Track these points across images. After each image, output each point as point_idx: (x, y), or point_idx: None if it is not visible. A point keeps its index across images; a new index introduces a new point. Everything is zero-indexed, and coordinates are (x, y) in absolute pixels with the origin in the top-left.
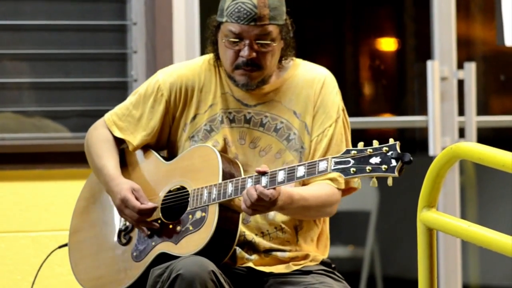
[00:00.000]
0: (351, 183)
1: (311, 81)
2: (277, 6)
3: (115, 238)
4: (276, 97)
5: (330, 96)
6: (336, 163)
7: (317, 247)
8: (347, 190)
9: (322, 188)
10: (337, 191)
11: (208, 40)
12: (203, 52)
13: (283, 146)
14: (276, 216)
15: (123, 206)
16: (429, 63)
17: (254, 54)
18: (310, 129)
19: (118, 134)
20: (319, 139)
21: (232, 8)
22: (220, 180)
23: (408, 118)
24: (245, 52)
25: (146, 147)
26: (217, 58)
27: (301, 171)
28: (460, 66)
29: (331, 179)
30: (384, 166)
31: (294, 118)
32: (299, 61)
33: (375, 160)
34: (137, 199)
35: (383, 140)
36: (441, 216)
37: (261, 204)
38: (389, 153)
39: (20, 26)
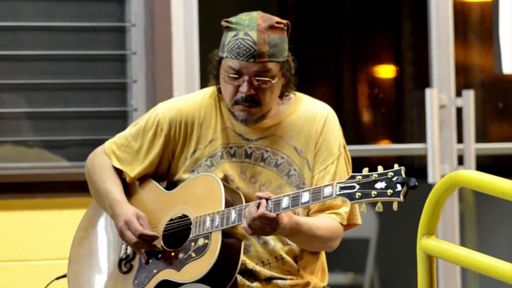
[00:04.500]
0: (354, 219)
1: (313, 118)
2: (277, 44)
3: (116, 267)
4: (277, 132)
5: (333, 133)
6: (341, 188)
7: (316, 276)
8: (348, 225)
9: (327, 221)
10: (340, 225)
11: (210, 74)
12: (202, 81)
13: (283, 181)
14: (276, 246)
15: (125, 228)
16: (427, 91)
17: (252, 91)
18: (311, 166)
19: (116, 164)
20: (320, 175)
21: (232, 44)
22: (223, 208)
23: (407, 146)
24: (244, 88)
25: (145, 177)
26: (220, 92)
27: (305, 196)
28: (458, 93)
29: (335, 213)
30: (389, 191)
31: (295, 154)
32: (301, 96)
33: (380, 185)
34: (140, 225)
35: (384, 167)
36: (441, 244)
37: (260, 226)
38: (395, 178)
39: (19, 56)
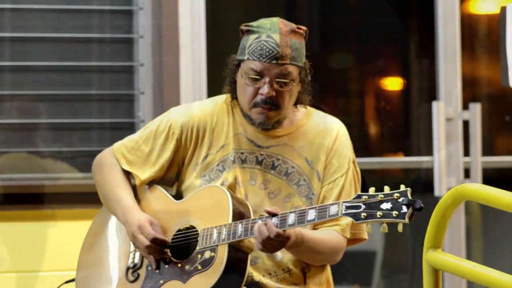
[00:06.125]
0: (361, 234)
1: (324, 131)
2: (298, 48)
3: (123, 275)
4: (289, 141)
5: (344, 148)
6: (347, 207)
7: (322, 287)
8: (354, 240)
9: (330, 234)
10: (343, 238)
11: (226, 78)
12: (210, 92)
13: (292, 191)
14: (284, 258)
15: (138, 232)
16: (434, 104)
17: (273, 93)
18: (321, 177)
19: (126, 167)
20: (329, 187)
21: (255, 46)
22: (230, 221)
23: (414, 159)
24: (264, 89)
25: (153, 185)
26: (233, 97)
27: (311, 214)
28: (465, 106)
29: (337, 225)
30: (395, 212)
31: (306, 165)
32: (312, 110)
33: (386, 206)
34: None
35: (389, 182)
36: (447, 257)
37: (271, 243)
38: (400, 199)
39: (27, 67)
